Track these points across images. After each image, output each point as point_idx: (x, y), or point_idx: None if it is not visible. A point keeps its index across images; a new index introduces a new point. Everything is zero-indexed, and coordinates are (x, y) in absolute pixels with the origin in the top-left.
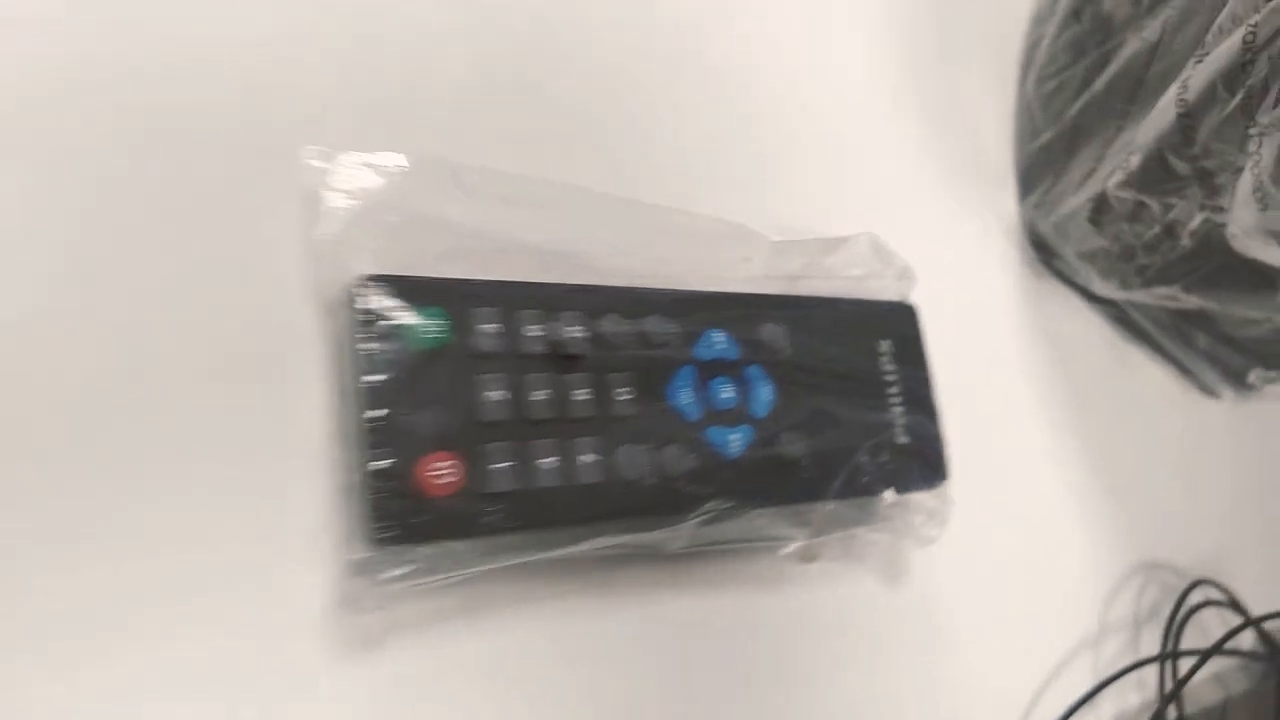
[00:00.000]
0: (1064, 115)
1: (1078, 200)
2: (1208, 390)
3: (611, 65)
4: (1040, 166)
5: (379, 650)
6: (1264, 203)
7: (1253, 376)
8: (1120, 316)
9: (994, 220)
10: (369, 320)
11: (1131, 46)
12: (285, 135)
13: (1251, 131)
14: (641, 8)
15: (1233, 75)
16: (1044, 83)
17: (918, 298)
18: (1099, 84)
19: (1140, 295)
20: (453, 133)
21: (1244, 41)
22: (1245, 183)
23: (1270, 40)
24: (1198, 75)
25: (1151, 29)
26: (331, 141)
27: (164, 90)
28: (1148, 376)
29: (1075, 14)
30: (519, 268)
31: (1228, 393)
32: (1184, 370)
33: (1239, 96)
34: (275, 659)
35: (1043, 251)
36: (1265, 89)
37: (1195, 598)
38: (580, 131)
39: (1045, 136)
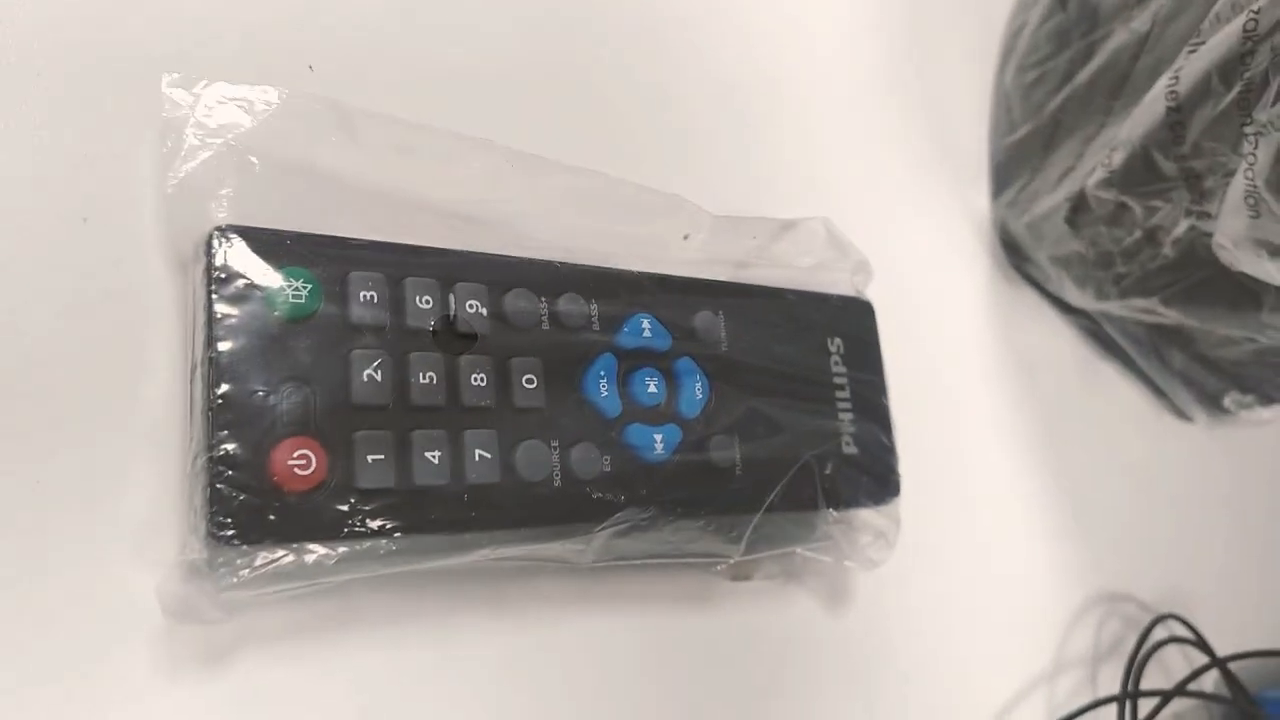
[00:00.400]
0: (1044, 108)
1: (1054, 199)
2: (1181, 413)
3: (545, 7)
4: (1016, 162)
5: (221, 667)
6: (1256, 209)
7: (1228, 400)
8: (1093, 329)
9: (963, 217)
10: (222, 278)
11: (1119, 37)
12: (142, 60)
13: (1247, 130)
14: None
15: (1230, 67)
16: (1024, 73)
17: (874, 294)
18: (1082, 76)
19: (1115, 306)
20: (344, 70)
21: (1244, 30)
22: (1237, 187)
23: (1274, 29)
24: (1191, 66)
25: (1141, 19)
26: (197, 71)
27: None
28: (1118, 395)
29: (1061, 2)
30: (413, 230)
31: (1201, 416)
32: (1157, 390)
33: (1236, 90)
34: (95, 671)
35: (1014, 254)
36: (1265, 82)
37: (1159, 634)
38: (498, 81)
39: (1023, 130)
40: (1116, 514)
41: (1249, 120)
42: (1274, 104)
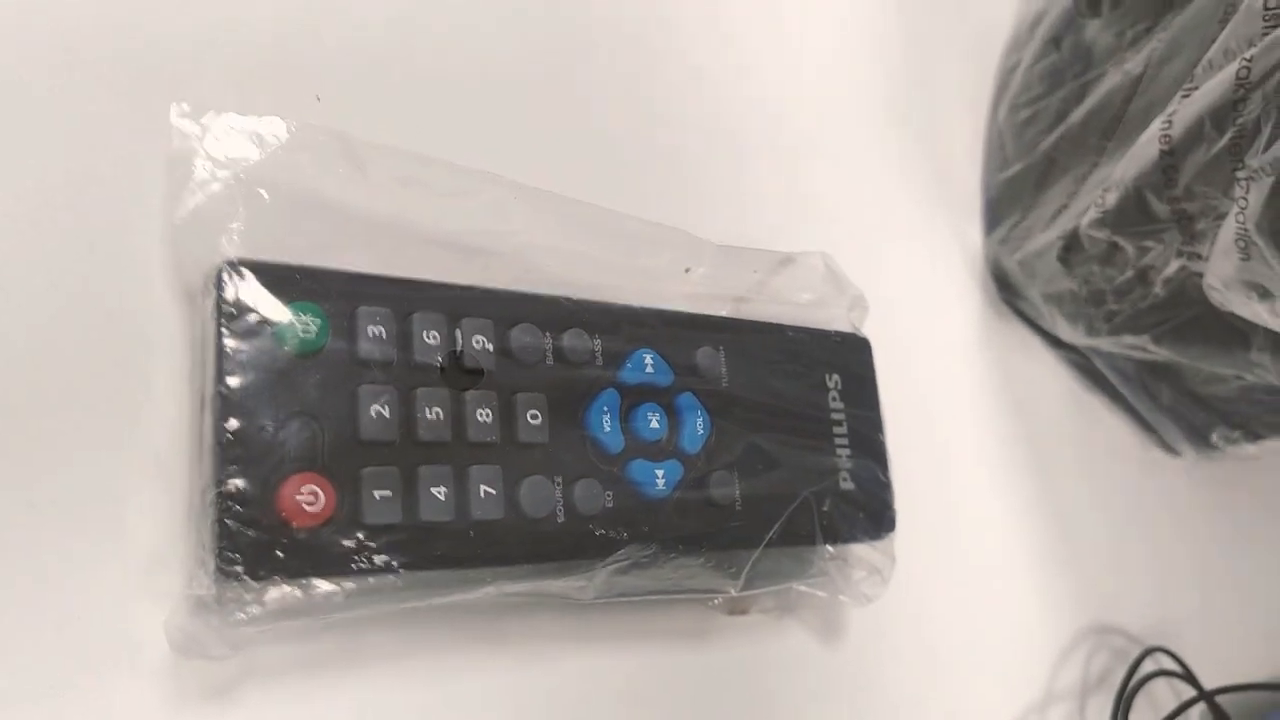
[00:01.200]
0: (1037, 147)
1: (1047, 237)
2: (1169, 448)
3: (548, 39)
4: (1009, 199)
5: (228, 702)
6: (1246, 252)
7: (1216, 436)
8: (1083, 364)
9: (956, 252)
10: (231, 313)
11: (1112, 79)
12: (150, 89)
13: (1239, 175)
14: None
15: (1222, 113)
16: (1017, 111)
17: (868, 328)
18: (1076, 116)
19: (1106, 343)
20: (350, 100)
21: (1237, 77)
22: (1228, 230)
23: (1266, 77)
24: (1184, 111)
25: (1135, 61)
26: (205, 101)
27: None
28: (1108, 430)
29: (1054, 41)
30: (419, 263)
31: (1189, 451)
32: (1145, 425)
33: (1228, 136)
34: (101, 705)
35: (1006, 290)
36: (1257, 129)
37: (1147, 667)
38: (503, 114)
39: (1016, 168)
40: (1105, 547)
41: (1241, 165)
42: (1265, 150)
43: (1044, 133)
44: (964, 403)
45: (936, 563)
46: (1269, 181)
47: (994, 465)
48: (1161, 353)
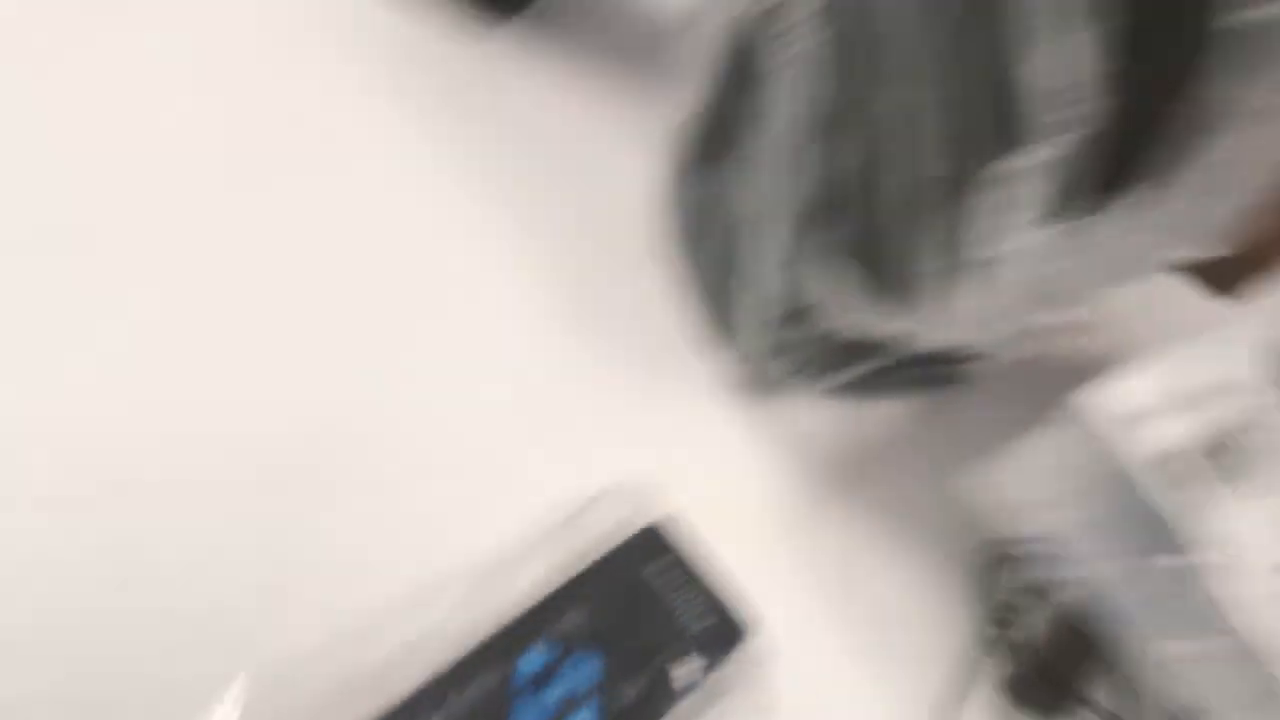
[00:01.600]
0: (705, 288)
1: (759, 348)
2: (955, 381)
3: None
4: (714, 328)
5: None
6: (843, 311)
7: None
8: (849, 386)
9: (706, 392)
10: None
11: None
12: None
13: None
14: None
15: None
16: (678, 265)
17: (680, 490)
18: (707, 258)
19: (848, 374)
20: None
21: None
22: (827, 305)
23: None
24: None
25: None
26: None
27: None
28: (894, 409)
29: (678, 202)
30: (373, 693)
31: (970, 381)
32: (925, 389)
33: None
34: None
35: (760, 388)
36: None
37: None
38: (331, 563)
39: (707, 307)
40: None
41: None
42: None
43: (701, 277)
44: (773, 482)
45: (804, 606)
46: (829, 272)
47: (818, 510)
48: (884, 351)
